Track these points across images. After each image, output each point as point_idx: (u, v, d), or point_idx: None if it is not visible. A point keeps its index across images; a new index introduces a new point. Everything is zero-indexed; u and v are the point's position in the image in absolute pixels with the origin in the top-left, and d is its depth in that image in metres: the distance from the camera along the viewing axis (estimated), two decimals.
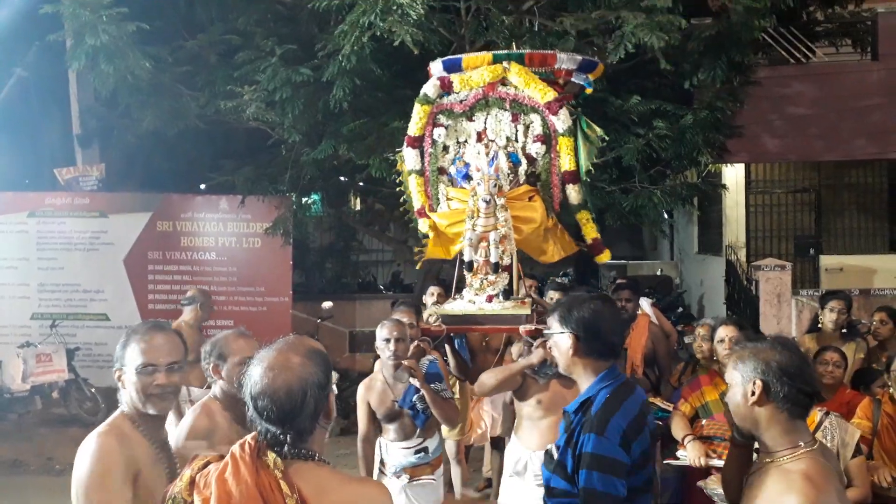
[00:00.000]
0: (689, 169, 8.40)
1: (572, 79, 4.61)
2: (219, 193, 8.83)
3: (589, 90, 4.79)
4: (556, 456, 2.30)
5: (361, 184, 9.22)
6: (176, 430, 2.73)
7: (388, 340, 3.79)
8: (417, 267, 4.88)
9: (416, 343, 4.28)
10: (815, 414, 2.87)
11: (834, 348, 4.07)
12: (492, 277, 4.37)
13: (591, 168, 4.68)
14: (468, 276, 4.38)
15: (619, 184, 7.78)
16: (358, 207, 11.54)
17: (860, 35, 10.88)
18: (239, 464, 1.67)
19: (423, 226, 4.70)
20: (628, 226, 11.20)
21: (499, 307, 4.28)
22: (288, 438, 1.69)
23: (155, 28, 6.37)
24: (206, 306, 5.61)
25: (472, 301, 4.35)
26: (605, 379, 2.28)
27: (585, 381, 2.32)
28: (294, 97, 6.26)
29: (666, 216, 12.39)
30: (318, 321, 8.75)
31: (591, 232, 4.58)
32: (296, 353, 1.74)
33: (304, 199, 8.85)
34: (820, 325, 4.97)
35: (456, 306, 4.48)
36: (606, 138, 4.87)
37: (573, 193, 4.50)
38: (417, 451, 3.79)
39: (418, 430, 3.80)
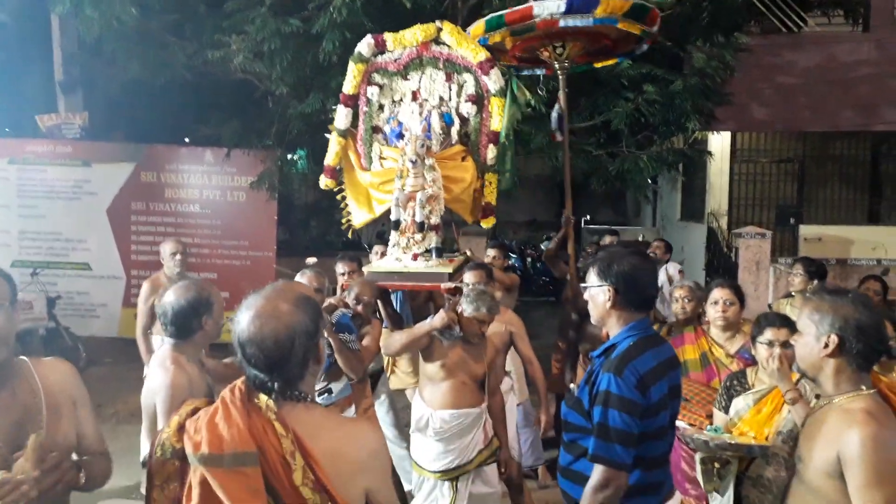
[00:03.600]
0: (677, 135, 8.41)
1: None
2: (204, 146, 8.75)
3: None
4: (575, 393, 2.39)
5: None
6: (155, 394, 2.66)
7: None
8: (349, 235, 4.94)
9: (342, 294, 4.43)
10: (794, 373, 2.94)
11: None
12: (418, 237, 4.44)
13: (510, 131, 4.71)
14: (395, 234, 4.44)
15: (606, 148, 7.80)
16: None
17: (853, 5, 10.88)
18: (230, 407, 1.65)
19: (322, 182, 4.76)
20: (613, 191, 11.27)
21: (423, 265, 4.35)
22: (276, 385, 1.68)
23: None
24: (167, 259, 5.35)
25: (399, 259, 4.42)
26: (633, 329, 2.35)
27: (615, 330, 2.39)
28: (283, 49, 6.19)
29: (650, 182, 12.44)
30: None
31: (490, 195, 4.64)
32: (284, 300, 1.70)
33: (290, 155, 8.78)
34: (791, 291, 5.07)
35: (384, 263, 4.57)
36: (532, 103, 4.91)
37: (490, 154, 4.54)
38: (321, 393, 3.94)
39: (322, 375, 3.91)
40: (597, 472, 2.22)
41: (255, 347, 1.65)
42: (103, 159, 8.65)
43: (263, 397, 1.66)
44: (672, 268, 6.82)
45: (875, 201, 11.73)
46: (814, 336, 2.02)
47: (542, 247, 15.52)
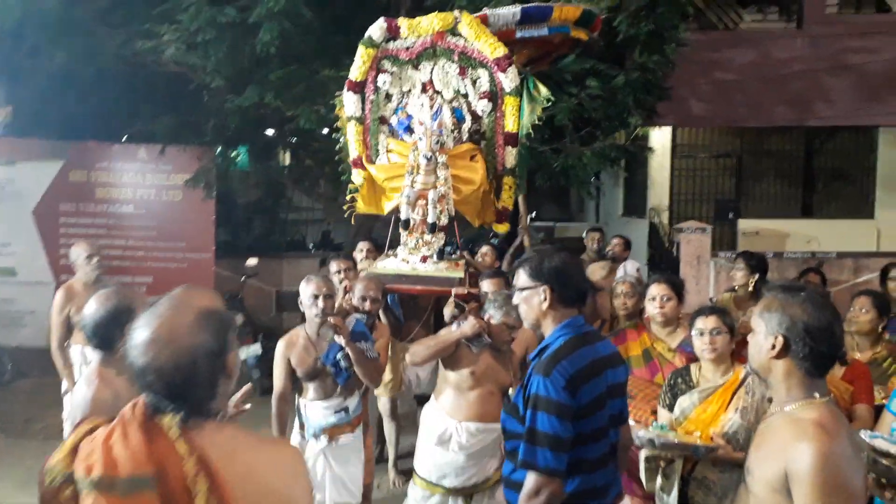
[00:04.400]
0: (619, 130, 8.48)
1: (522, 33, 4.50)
2: (138, 142, 8.39)
3: (570, 34, 4.59)
4: (511, 398, 2.33)
5: (291, 138, 8.91)
6: (73, 408, 2.54)
7: (316, 296, 3.57)
8: (353, 222, 4.72)
9: (346, 297, 4.15)
10: (740, 371, 2.92)
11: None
12: (428, 237, 4.27)
13: (530, 131, 4.61)
14: (404, 234, 4.27)
15: (550, 144, 7.79)
16: (287, 163, 11.18)
17: (786, 2, 11.19)
18: (128, 427, 1.46)
19: (356, 177, 4.54)
20: (556, 188, 11.30)
21: (432, 268, 4.20)
22: (182, 410, 1.49)
23: None
24: (82, 262, 4.92)
25: (406, 260, 4.25)
26: (566, 327, 2.29)
27: (549, 330, 2.33)
28: (218, 39, 5.96)
29: (595, 178, 12.54)
30: (243, 278, 8.49)
31: (507, 199, 4.53)
32: (182, 317, 1.50)
33: (225, 151, 8.49)
34: (735, 286, 5.11)
35: (389, 264, 4.36)
36: (552, 99, 4.83)
37: (509, 156, 4.43)
38: (338, 411, 3.64)
39: (339, 389, 3.64)
40: (528, 480, 2.11)
41: (154, 376, 1.47)
42: (28, 157, 8.20)
43: (167, 415, 1.48)
44: (631, 265, 6.80)
45: (808, 195, 12.08)
46: (763, 335, 1.93)
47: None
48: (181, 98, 7.83)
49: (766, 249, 9.95)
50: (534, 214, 16.67)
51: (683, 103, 9.97)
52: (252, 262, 8.48)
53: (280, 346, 3.68)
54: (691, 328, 3.08)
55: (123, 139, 8.44)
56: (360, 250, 5.48)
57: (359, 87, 4.42)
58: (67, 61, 6.43)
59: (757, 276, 4.81)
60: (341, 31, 6.27)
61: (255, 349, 7.60)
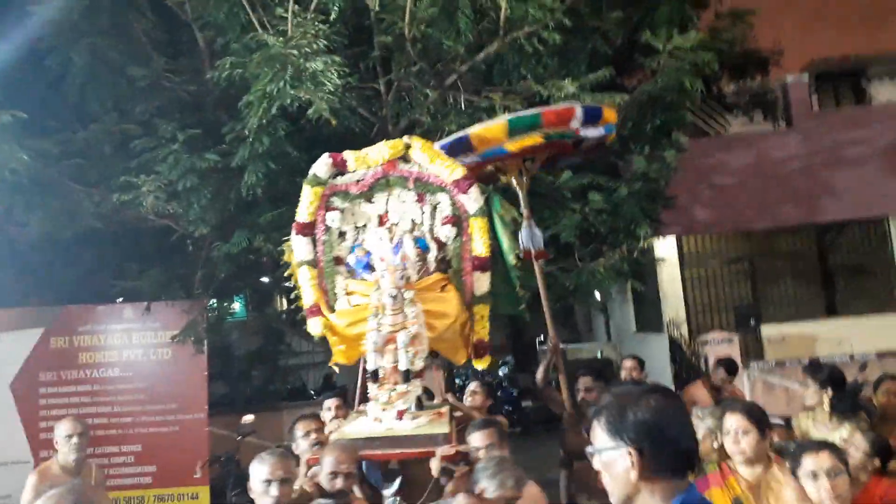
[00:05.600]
0: (626, 243, 8.13)
1: (586, 133, 4.31)
2: (123, 301, 7.96)
3: (612, 136, 4.53)
4: None
5: (286, 282, 8.51)
6: None
7: (268, 482, 2.86)
8: (333, 379, 4.16)
9: (309, 474, 3.44)
10: None
11: None
12: (402, 388, 3.62)
13: (518, 252, 4.23)
14: (373, 387, 3.70)
15: (556, 263, 7.39)
16: (284, 307, 10.76)
17: (770, 105, 11.23)
18: None
19: (314, 326, 4.03)
20: (561, 308, 10.83)
21: (411, 425, 3.55)
22: None
23: (38, 119, 5.68)
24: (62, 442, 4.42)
25: (379, 419, 3.62)
26: None
27: None
28: (200, 185, 5.65)
29: (598, 296, 12.10)
30: (239, 438, 7.81)
31: (481, 331, 4.00)
32: None
33: (220, 302, 8.05)
34: (811, 404, 4.45)
35: (359, 427, 3.72)
36: (519, 219, 4.48)
37: (479, 282, 3.96)
38: None
39: None
40: None
41: None
42: (6, 327, 7.71)
43: None
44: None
45: (830, 293, 11.59)
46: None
47: (500, 373, 14.81)
48: (165, 251, 7.48)
49: (795, 356, 9.35)
50: (542, 338, 16.14)
51: (686, 211, 9.72)
52: (248, 419, 7.86)
53: None
54: (796, 469, 2.43)
55: (110, 299, 8.00)
56: (328, 409, 4.82)
57: (308, 229, 4.04)
58: (44, 224, 6.09)
59: (829, 391, 4.17)
60: None
61: None
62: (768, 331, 10.92)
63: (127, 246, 7.70)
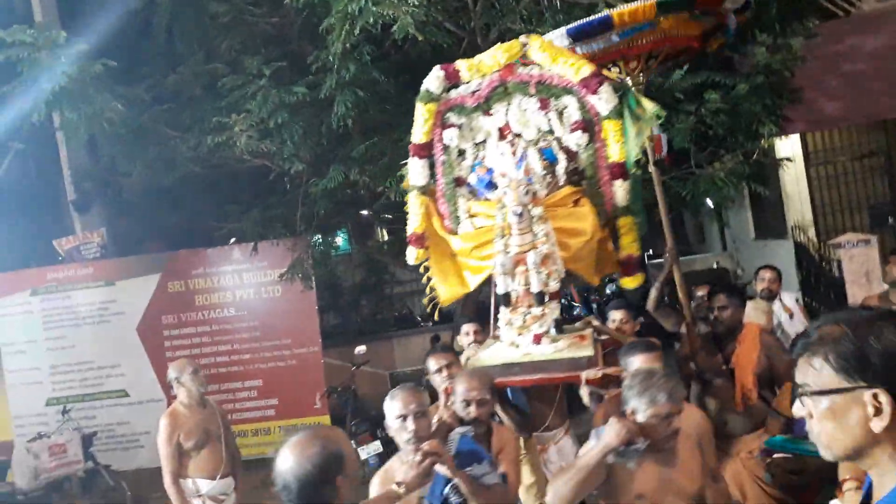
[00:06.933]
0: (747, 145, 7.41)
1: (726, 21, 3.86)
2: (230, 243, 8.10)
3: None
4: None
5: (386, 214, 8.38)
6: None
7: (403, 417, 2.71)
8: (436, 317, 3.94)
9: (446, 404, 3.21)
10: None
11: None
12: (536, 311, 3.36)
13: (640, 156, 3.80)
14: (505, 311, 3.44)
15: (670, 171, 6.83)
16: (386, 238, 10.76)
17: None
18: None
19: (411, 256, 3.78)
20: (671, 218, 10.15)
21: (550, 349, 3.28)
22: None
23: (128, 66, 5.64)
24: (187, 379, 4.54)
25: (515, 344, 3.38)
26: None
27: (891, 470, 1.29)
28: (291, 121, 5.47)
29: (710, 203, 11.32)
30: (353, 368, 7.94)
31: (629, 245, 3.58)
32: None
33: (323, 238, 8.04)
34: None
35: (494, 353, 3.50)
36: (662, 114, 3.98)
37: (620, 192, 3.56)
38: None
39: None
40: None
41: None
42: (126, 275, 8.07)
43: None
44: (788, 298, 5.63)
45: None
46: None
47: (608, 291, 14.35)
48: (265, 191, 7.47)
49: None
50: (650, 252, 15.48)
51: (811, 105, 8.72)
52: (360, 349, 7.99)
53: (374, 482, 2.77)
54: None
55: (217, 242, 8.17)
56: (466, 333, 4.48)
57: (425, 150, 3.71)
58: (145, 172, 6.15)
59: None
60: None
61: (375, 447, 7.04)
62: None
63: (227, 188, 7.78)
